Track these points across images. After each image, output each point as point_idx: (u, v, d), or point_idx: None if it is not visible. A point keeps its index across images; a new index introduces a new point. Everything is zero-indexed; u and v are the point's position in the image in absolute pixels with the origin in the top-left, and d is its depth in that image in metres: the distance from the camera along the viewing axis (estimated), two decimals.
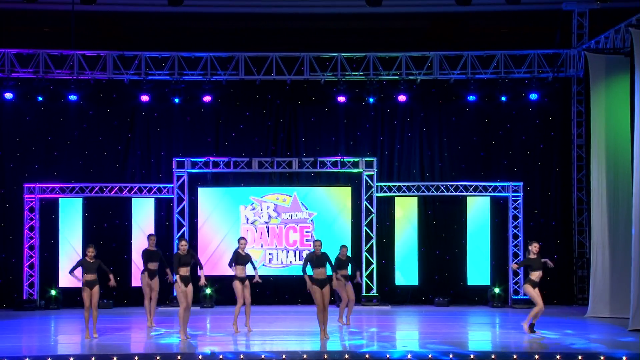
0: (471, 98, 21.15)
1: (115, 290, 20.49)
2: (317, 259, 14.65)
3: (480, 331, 16.93)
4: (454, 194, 21.03)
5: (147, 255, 16.58)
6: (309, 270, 14.59)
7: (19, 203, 20.61)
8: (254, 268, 16.01)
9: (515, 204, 20.91)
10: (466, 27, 21.70)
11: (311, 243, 20.46)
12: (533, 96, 21.05)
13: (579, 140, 21.19)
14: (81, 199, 20.66)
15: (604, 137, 18.58)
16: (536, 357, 12.72)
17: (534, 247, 15.45)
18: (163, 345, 14.35)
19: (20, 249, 20.54)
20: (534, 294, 15.28)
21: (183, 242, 15.00)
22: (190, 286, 14.81)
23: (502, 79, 20.84)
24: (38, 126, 21.22)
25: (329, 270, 14.81)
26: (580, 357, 12.68)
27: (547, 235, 21.26)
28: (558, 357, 12.69)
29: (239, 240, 16.02)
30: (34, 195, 20.48)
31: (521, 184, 21.02)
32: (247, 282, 15.86)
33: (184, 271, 14.78)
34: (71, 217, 20.65)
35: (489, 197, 21.04)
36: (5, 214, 20.98)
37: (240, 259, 15.80)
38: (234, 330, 15.71)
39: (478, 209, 21.08)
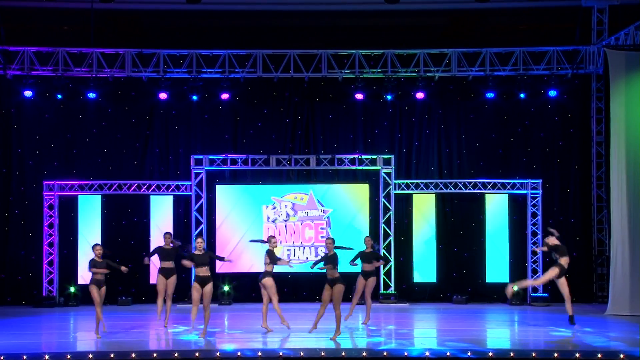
0: (490, 95, 21.06)
1: (134, 287, 20.70)
2: (327, 258, 14.42)
3: (498, 329, 16.85)
4: (472, 191, 20.96)
5: (161, 253, 16.40)
6: (321, 264, 14.53)
7: (39, 200, 20.74)
8: (278, 259, 15.74)
9: (534, 202, 20.81)
10: (484, 24, 21.64)
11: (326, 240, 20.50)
12: (552, 93, 20.91)
13: (599, 137, 21.08)
14: (100, 196, 20.76)
15: (623, 134, 18.44)
16: (555, 355, 12.64)
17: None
18: (182, 342, 14.38)
19: (39, 246, 20.67)
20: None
21: (199, 240, 14.88)
22: (208, 286, 14.71)
23: (521, 75, 20.73)
24: (57, 124, 21.32)
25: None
26: (600, 355, 12.58)
27: (566, 233, 21.08)
28: (578, 355, 12.60)
29: (269, 238, 15.59)
30: (53, 193, 20.58)
31: (540, 181, 20.92)
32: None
33: (202, 271, 14.71)
34: (90, 214, 20.74)
35: (507, 195, 20.96)
36: (25, 211, 21.09)
37: (273, 258, 15.30)
38: (265, 329, 15.32)
39: (496, 207, 21.01)
